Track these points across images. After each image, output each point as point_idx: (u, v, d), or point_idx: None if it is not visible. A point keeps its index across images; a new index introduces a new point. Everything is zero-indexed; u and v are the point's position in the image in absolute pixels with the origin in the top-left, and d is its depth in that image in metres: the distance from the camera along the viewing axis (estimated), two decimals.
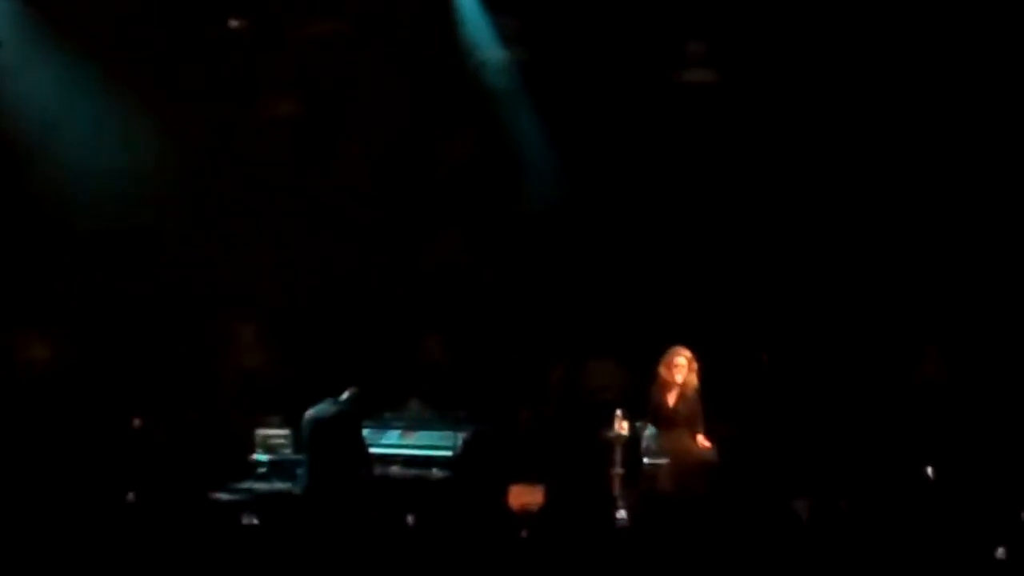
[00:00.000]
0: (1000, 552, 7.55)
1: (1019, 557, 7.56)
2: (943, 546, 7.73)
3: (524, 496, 10.17)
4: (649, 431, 10.73)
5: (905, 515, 8.95)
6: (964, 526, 8.29)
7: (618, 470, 10.38)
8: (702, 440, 10.65)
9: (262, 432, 11.26)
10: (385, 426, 11.52)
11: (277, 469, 11.04)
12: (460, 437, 11.05)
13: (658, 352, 10.91)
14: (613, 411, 10.57)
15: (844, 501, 9.17)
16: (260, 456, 11.13)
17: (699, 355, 10.81)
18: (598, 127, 12.87)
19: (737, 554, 7.58)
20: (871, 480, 10.47)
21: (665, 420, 10.72)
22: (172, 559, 7.55)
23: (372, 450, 10.85)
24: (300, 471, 10.55)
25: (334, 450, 10.36)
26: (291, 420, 11.05)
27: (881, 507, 9.10)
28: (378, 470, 10.80)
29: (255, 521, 8.38)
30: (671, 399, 10.73)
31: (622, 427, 10.46)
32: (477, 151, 13.32)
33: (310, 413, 10.43)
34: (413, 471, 11.03)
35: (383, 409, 11.71)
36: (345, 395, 10.46)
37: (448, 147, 13.31)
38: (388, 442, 11.34)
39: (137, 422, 11.66)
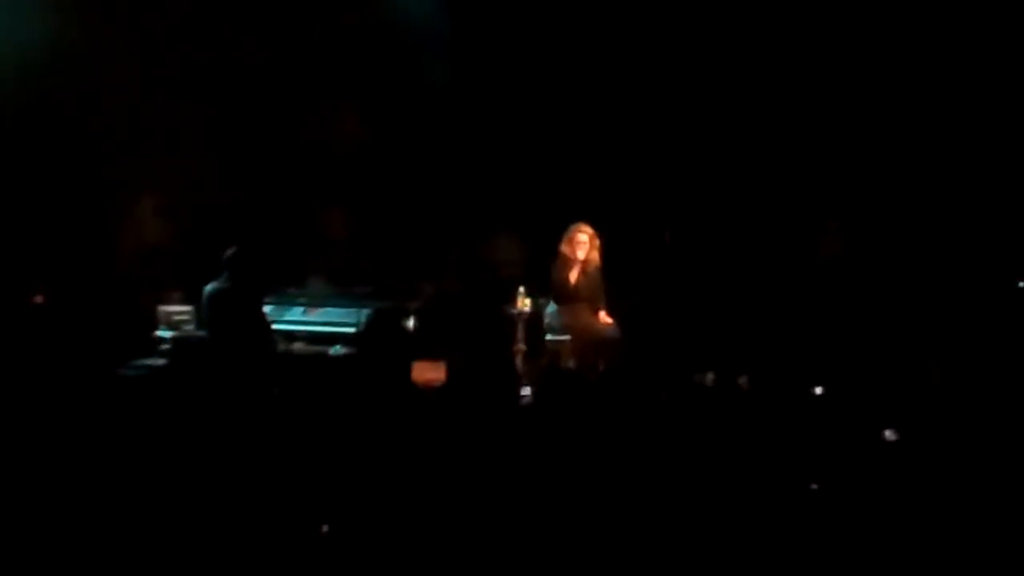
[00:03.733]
0: (889, 434, 7.76)
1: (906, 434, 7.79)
2: (837, 423, 7.96)
3: (427, 372, 10.24)
4: (551, 308, 10.87)
5: (803, 390, 9.18)
6: (857, 403, 8.53)
7: (520, 346, 10.50)
8: (603, 316, 10.81)
9: (165, 308, 11.21)
10: (288, 302, 11.52)
11: (181, 345, 11.01)
12: (364, 313, 11.08)
13: (560, 229, 11.02)
14: (515, 287, 10.67)
15: (744, 376, 9.38)
16: (163, 333, 11.10)
17: (601, 232, 10.93)
18: None
19: (637, 428, 7.74)
20: (771, 356, 10.68)
21: (567, 297, 10.87)
22: (81, 436, 7.55)
23: (276, 326, 10.87)
24: None
25: (234, 325, 10.37)
26: (193, 296, 11.01)
27: (780, 383, 9.32)
28: (281, 346, 10.82)
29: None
30: (573, 276, 10.87)
31: (524, 304, 10.56)
32: (374, 22, 13.19)
33: (208, 288, 10.43)
34: (316, 347, 11.06)
35: (286, 285, 11.72)
36: (228, 253, 10.34)
37: (342, 17, 13.16)
38: (291, 318, 11.36)
39: (39, 298, 11.55)
